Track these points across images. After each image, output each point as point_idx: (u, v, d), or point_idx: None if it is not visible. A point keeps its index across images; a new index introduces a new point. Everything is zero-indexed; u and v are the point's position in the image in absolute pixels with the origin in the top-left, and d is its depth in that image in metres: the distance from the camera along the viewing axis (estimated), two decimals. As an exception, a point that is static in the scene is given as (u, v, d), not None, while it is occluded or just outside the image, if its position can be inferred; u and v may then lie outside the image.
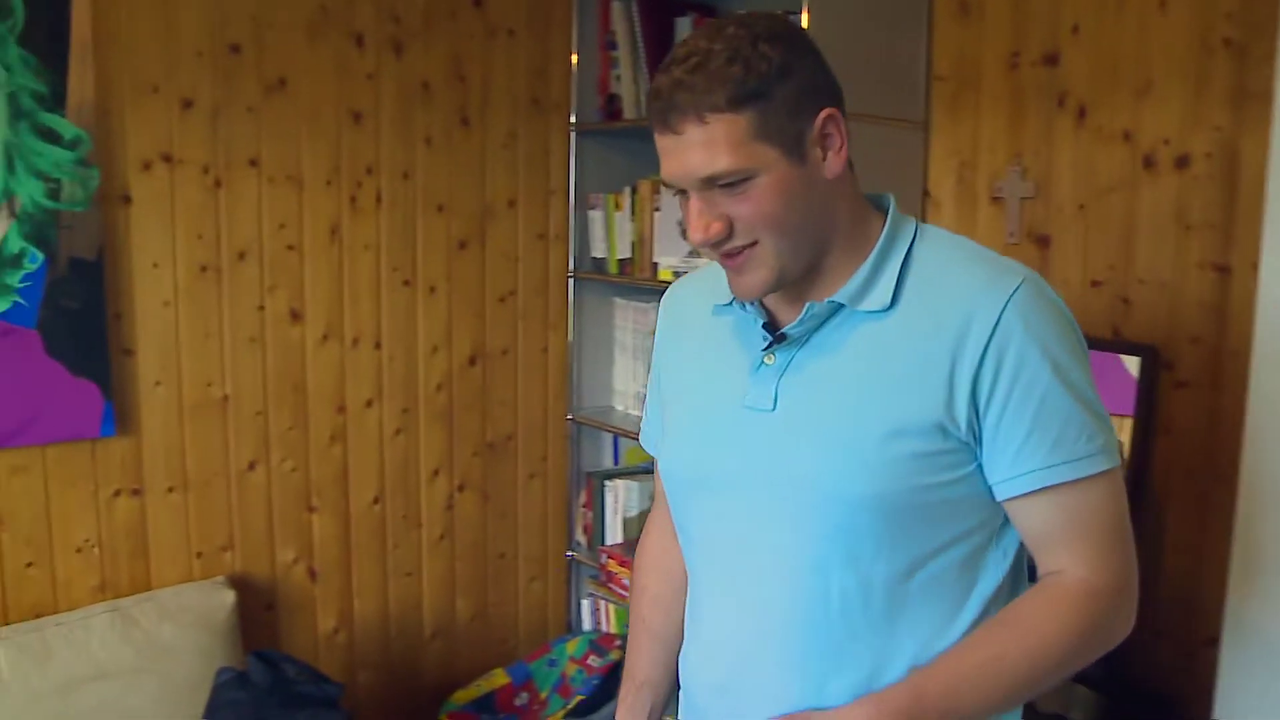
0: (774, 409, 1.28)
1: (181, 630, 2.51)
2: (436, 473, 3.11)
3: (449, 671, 3.19)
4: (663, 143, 1.20)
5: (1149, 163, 2.37)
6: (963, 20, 2.68)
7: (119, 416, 2.53)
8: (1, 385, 2.36)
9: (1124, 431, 2.42)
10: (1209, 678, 2.13)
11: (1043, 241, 2.57)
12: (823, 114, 1.21)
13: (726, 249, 1.23)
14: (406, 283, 2.98)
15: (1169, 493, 2.39)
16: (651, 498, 2.49)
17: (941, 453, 1.22)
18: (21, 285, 2.36)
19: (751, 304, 1.33)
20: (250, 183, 2.69)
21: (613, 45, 3.11)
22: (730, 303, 1.36)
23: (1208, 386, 2.30)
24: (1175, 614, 2.37)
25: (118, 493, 2.56)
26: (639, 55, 3.01)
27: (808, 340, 1.29)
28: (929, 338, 1.22)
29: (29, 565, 2.46)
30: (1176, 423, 2.36)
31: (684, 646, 1.48)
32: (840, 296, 1.26)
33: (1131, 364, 2.41)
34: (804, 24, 2.50)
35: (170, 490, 2.64)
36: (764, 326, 1.32)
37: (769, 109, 1.16)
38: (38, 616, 2.46)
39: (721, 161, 1.16)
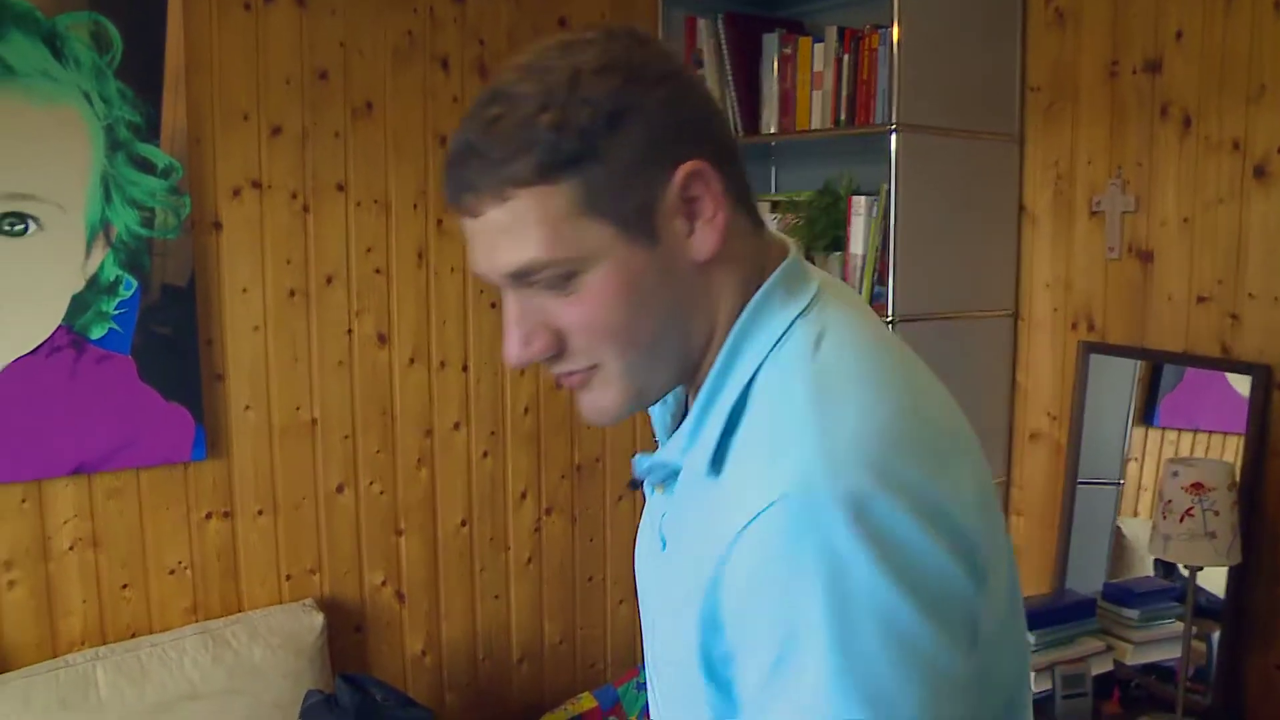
0: (664, 549, 0.98)
1: (271, 652, 2.52)
2: (524, 495, 3.10)
3: (537, 695, 3.17)
4: (462, 224, 0.89)
5: (1261, 172, 2.26)
6: (1058, 30, 2.60)
7: (210, 440, 2.56)
8: (97, 410, 2.40)
9: (1230, 451, 2.32)
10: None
11: (1145, 256, 2.47)
12: (682, 171, 0.85)
13: (559, 371, 0.92)
14: (494, 305, 2.98)
15: (1284, 520, 2.27)
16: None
17: (713, 695, 0.87)
18: (116, 312, 2.41)
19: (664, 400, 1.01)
20: (338, 207, 2.71)
21: (699, 63, 3.08)
22: None
23: (1326, 408, 2.19)
24: (1294, 648, 2.25)
25: (209, 515, 2.59)
26: (725, 73, 2.98)
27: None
28: (705, 543, 0.85)
29: (124, 586, 2.50)
30: (1292, 446, 2.25)
31: None
32: (666, 452, 0.94)
33: (1240, 383, 2.30)
34: (895, 37, 2.45)
35: (260, 513, 2.66)
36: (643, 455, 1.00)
37: (596, 174, 0.83)
38: (133, 637, 2.50)
39: (532, 249, 0.84)
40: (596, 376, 0.90)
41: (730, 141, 0.91)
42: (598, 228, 0.84)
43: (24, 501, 2.35)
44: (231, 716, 2.44)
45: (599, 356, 0.89)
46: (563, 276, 0.85)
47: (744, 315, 0.89)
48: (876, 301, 2.59)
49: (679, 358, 0.91)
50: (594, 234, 0.84)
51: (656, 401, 0.96)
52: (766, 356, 0.87)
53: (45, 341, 2.33)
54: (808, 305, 0.89)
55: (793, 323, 0.88)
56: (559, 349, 0.89)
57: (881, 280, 2.57)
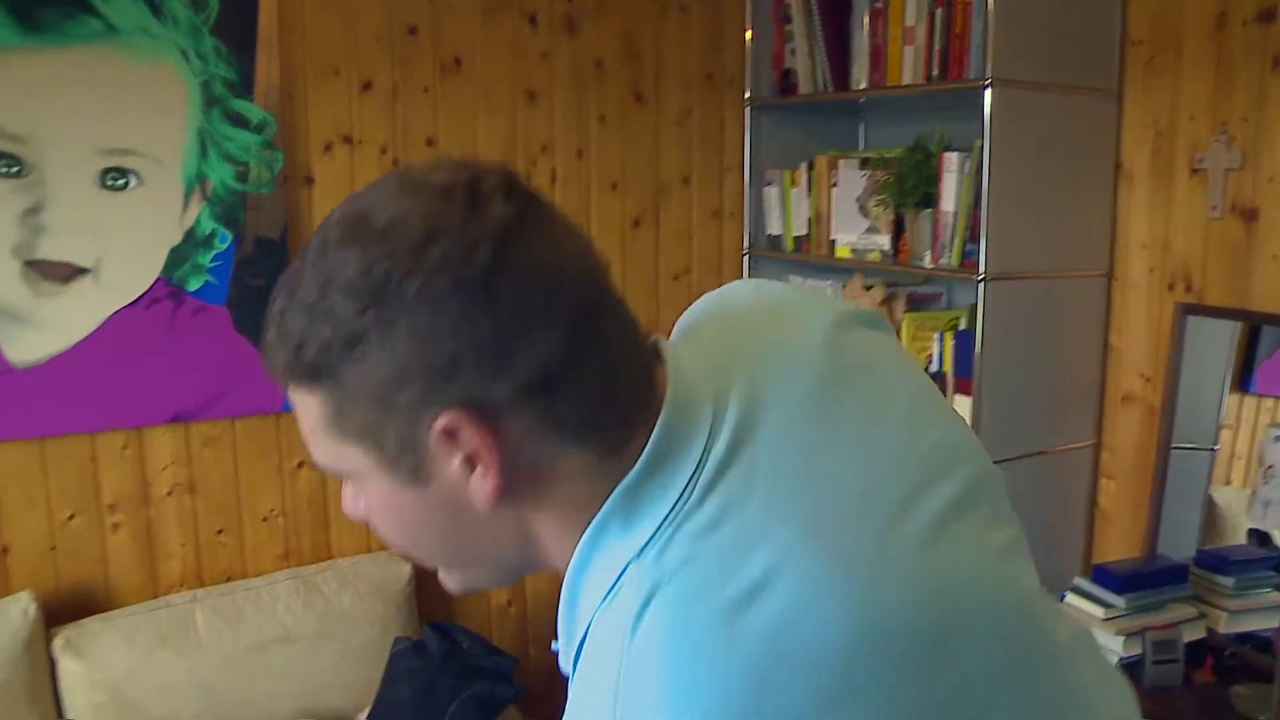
0: None
1: (360, 599, 2.59)
2: (607, 450, 3.11)
3: (619, 648, 3.20)
4: None
5: (1374, 128, 2.17)
6: (1163, -21, 2.51)
7: (302, 391, 2.61)
8: (194, 360, 2.47)
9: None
10: None
11: (1249, 215, 2.39)
12: (441, 421, 0.68)
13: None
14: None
15: (1390, 489, 2.19)
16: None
17: None
18: (212, 264, 2.47)
19: None
20: (427, 163, 2.73)
21: (787, 18, 3.04)
22: None
23: None
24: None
25: (300, 465, 2.66)
26: (814, 28, 2.93)
27: None
28: None
29: (219, 532, 2.58)
30: (1401, 413, 2.17)
31: None
32: (560, 646, 0.79)
33: (1349, 349, 2.22)
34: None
35: (350, 463, 2.71)
36: None
37: (341, 396, 0.70)
38: (228, 581, 2.58)
39: (309, 442, 0.76)
40: None
41: (553, 366, 0.69)
42: (353, 449, 0.72)
43: (125, 448, 2.43)
44: (322, 660, 2.51)
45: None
46: (345, 475, 0.76)
47: (571, 567, 0.74)
48: (968, 259, 2.54)
49: (499, 573, 0.82)
50: (351, 454, 0.73)
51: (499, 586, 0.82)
52: (596, 612, 0.72)
53: (145, 293, 2.40)
54: (650, 537, 0.70)
55: (624, 571, 0.70)
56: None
57: (973, 238, 2.52)
